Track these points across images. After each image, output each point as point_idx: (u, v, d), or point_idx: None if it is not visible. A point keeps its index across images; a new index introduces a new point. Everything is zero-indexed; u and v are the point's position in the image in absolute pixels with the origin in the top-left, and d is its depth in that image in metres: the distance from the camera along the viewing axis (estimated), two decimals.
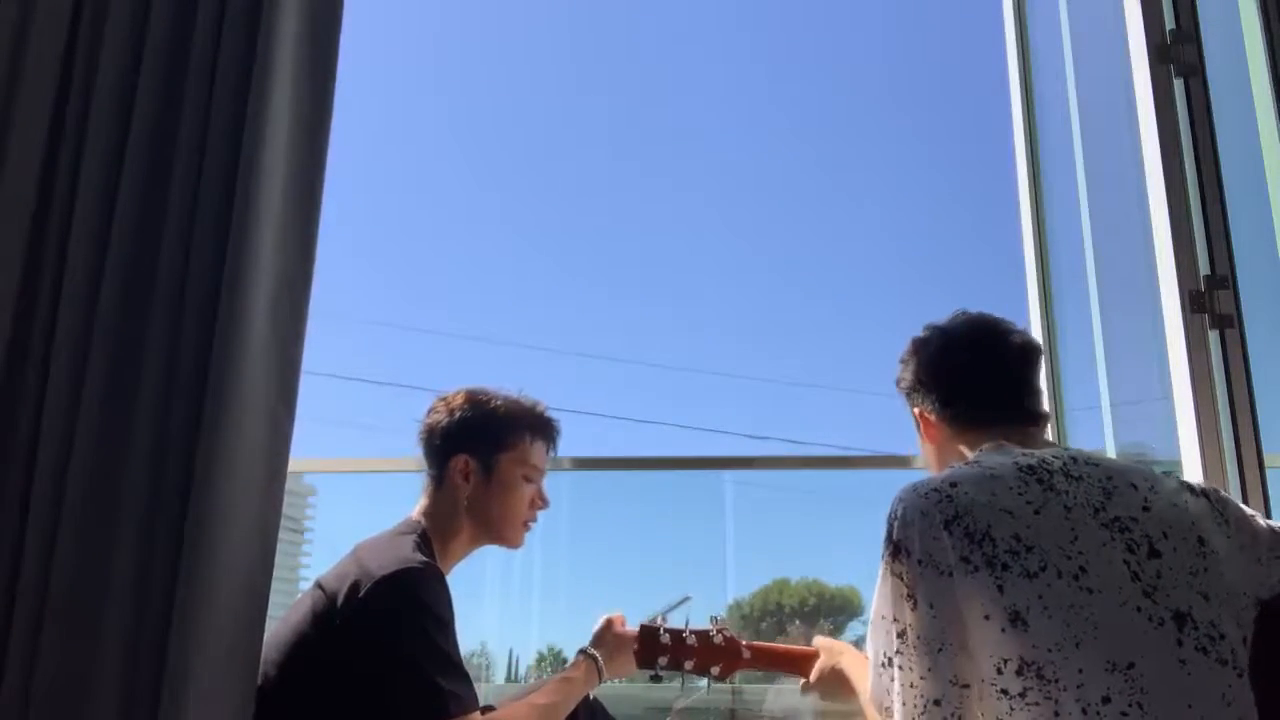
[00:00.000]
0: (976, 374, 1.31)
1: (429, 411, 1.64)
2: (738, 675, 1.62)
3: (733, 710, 2.51)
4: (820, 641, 1.52)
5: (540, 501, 1.64)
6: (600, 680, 1.55)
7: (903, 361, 1.41)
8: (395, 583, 1.37)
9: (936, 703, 1.05)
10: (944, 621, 1.06)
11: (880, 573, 1.13)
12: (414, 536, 1.51)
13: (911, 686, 1.07)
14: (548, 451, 1.65)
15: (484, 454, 1.59)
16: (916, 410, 1.38)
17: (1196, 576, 1.09)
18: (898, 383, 1.43)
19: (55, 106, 1.53)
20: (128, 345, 1.43)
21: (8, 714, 1.29)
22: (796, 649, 1.60)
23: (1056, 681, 1.01)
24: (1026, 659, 1.02)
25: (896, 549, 1.11)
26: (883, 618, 1.12)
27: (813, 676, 1.49)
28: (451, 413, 1.61)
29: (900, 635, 1.09)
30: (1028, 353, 1.32)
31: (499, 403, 1.62)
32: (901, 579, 1.10)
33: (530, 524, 1.64)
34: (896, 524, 1.13)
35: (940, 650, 1.06)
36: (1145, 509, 1.13)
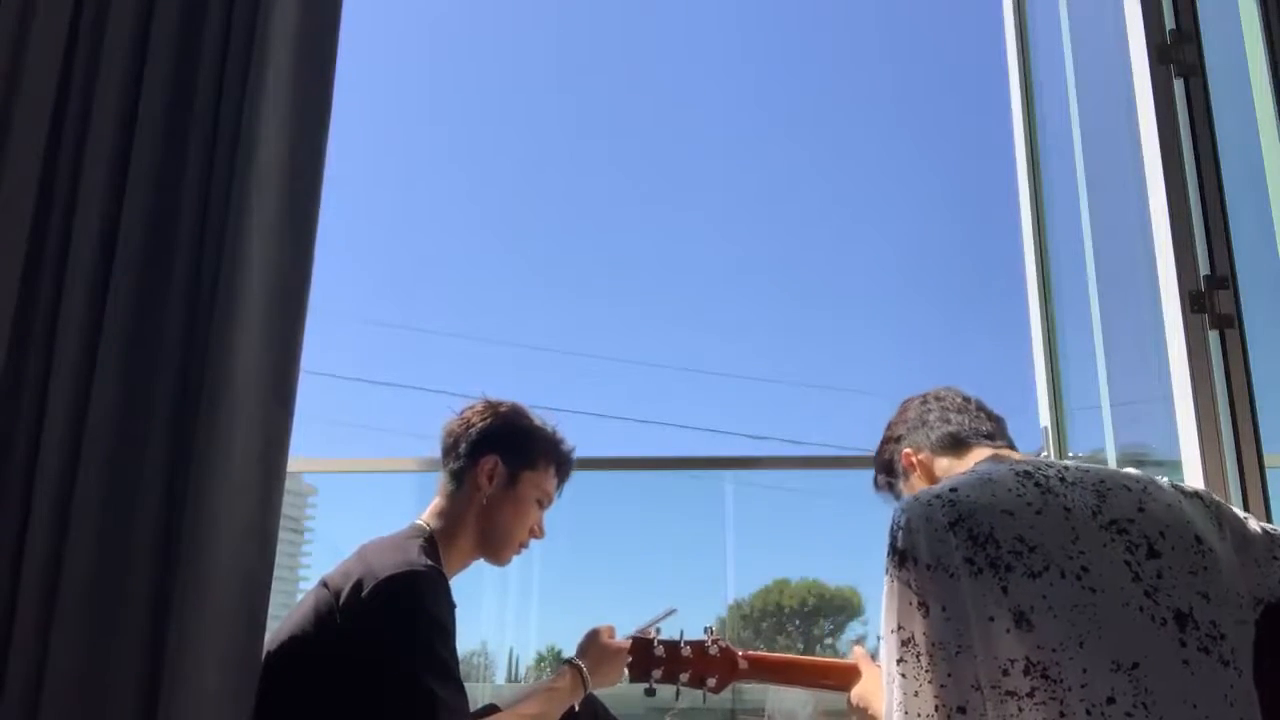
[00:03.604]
0: (961, 408, 1.41)
1: (468, 407, 1.66)
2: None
3: (733, 711, 2.52)
4: (860, 663, 1.49)
5: (538, 530, 1.67)
6: (586, 690, 1.55)
7: (888, 425, 1.48)
8: (398, 584, 1.37)
9: (961, 710, 1.02)
10: (957, 624, 1.05)
11: (886, 585, 1.12)
12: (421, 540, 1.51)
13: (917, 695, 1.04)
14: (557, 488, 1.68)
15: (512, 463, 1.61)
16: (907, 453, 1.41)
17: (1196, 576, 1.09)
18: (881, 445, 1.48)
19: (55, 108, 1.53)
20: (125, 346, 1.43)
21: (11, 714, 1.29)
22: (795, 659, 1.59)
23: (1061, 681, 1.01)
24: (1032, 659, 1.02)
25: (903, 557, 1.10)
26: (890, 631, 1.09)
27: (851, 699, 1.47)
28: (496, 415, 1.64)
29: (906, 643, 1.07)
30: (996, 414, 1.44)
31: (538, 424, 1.67)
32: (910, 586, 1.08)
33: (523, 548, 1.65)
34: (901, 533, 1.12)
35: (958, 653, 1.04)
36: (1141, 510, 1.13)
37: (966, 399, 1.43)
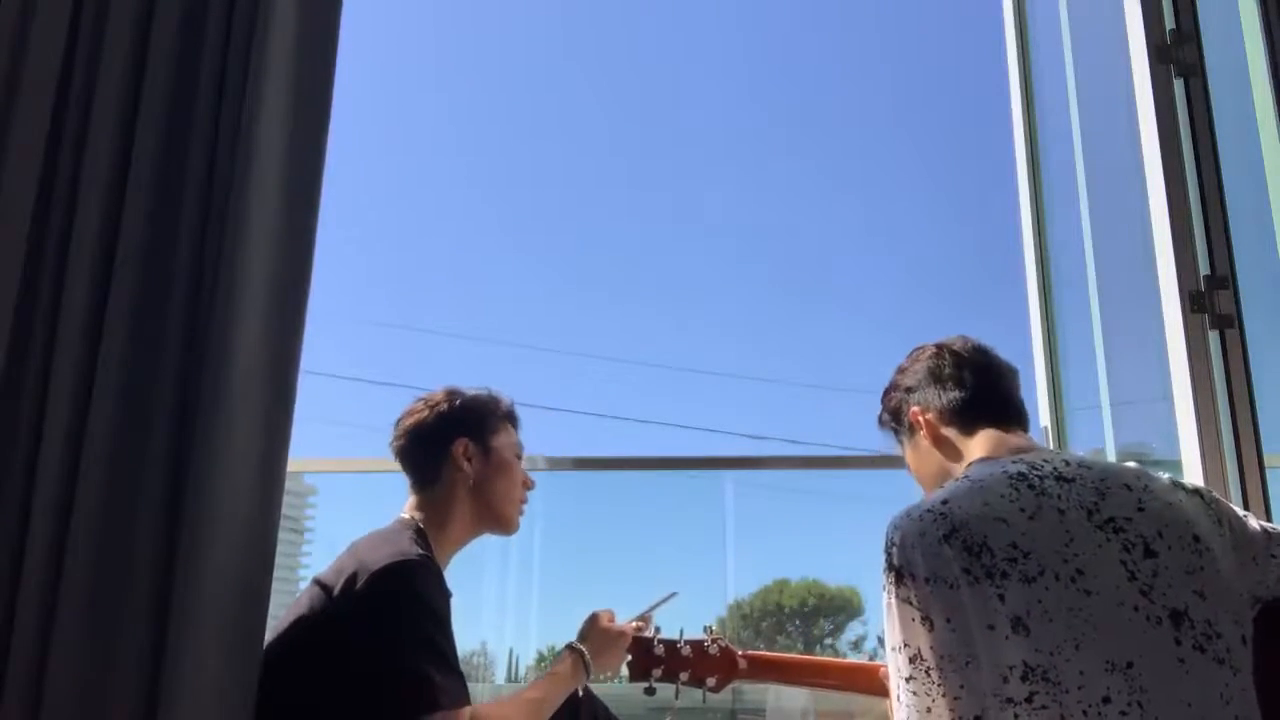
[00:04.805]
0: (976, 370, 1.37)
1: (406, 415, 1.66)
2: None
3: (733, 710, 2.52)
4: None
5: (529, 481, 1.70)
6: (588, 675, 1.55)
7: (901, 369, 1.44)
8: (392, 575, 1.38)
9: (978, 719, 1.03)
10: (963, 634, 1.05)
11: (885, 605, 1.11)
12: (410, 532, 1.52)
13: (929, 711, 1.04)
14: (518, 436, 1.72)
15: (480, 435, 1.63)
16: (914, 410, 1.38)
17: (1193, 575, 1.09)
18: (892, 389, 1.44)
19: (55, 108, 1.53)
20: (125, 346, 1.43)
21: (12, 714, 1.29)
22: (794, 658, 1.59)
23: (1059, 684, 1.01)
24: (1031, 664, 1.02)
25: (900, 574, 1.10)
26: (894, 650, 1.09)
27: None
28: (436, 407, 1.65)
29: (913, 660, 1.06)
30: (1015, 370, 1.41)
31: (474, 393, 1.70)
32: (910, 602, 1.08)
33: (523, 506, 1.68)
34: (895, 550, 1.11)
35: (968, 664, 1.04)
36: (1140, 509, 1.13)
37: (979, 353, 1.39)
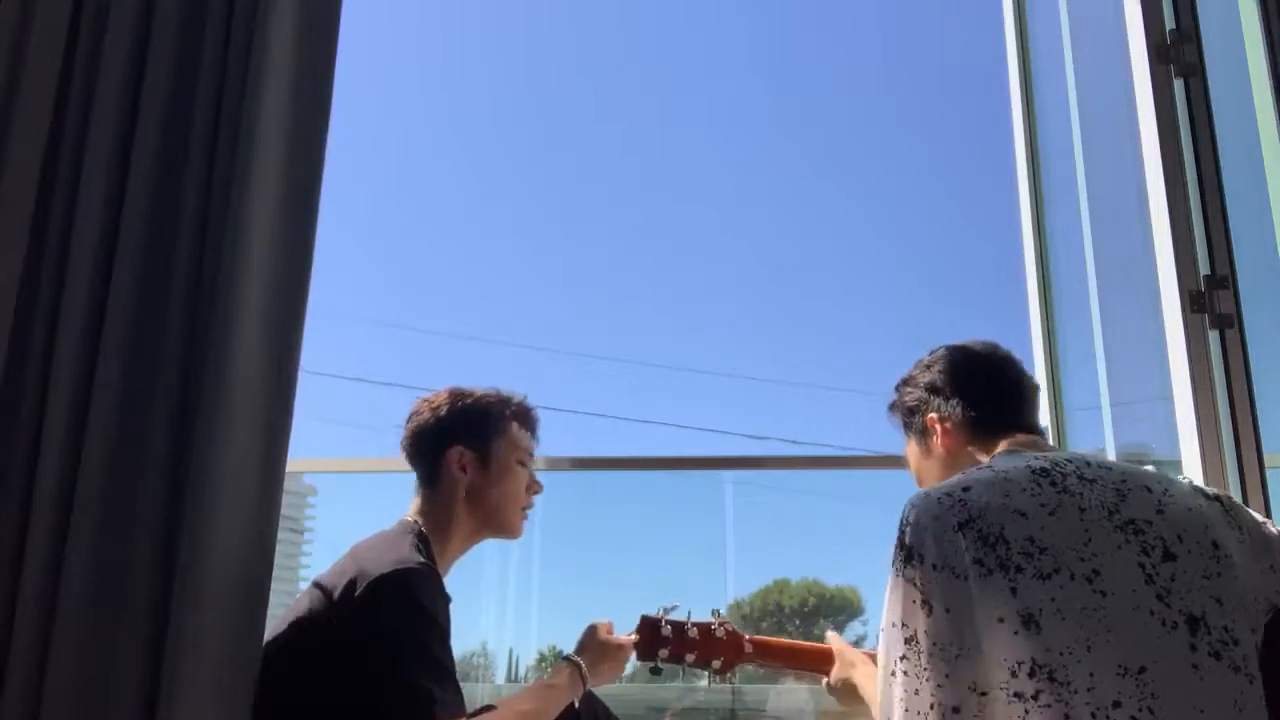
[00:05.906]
0: (1000, 384, 1.37)
1: (411, 415, 1.65)
2: (738, 674, 1.62)
3: (733, 710, 2.52)
4: (835, 646, 1.50)
5: (535, 485, 1.66)
6: (584, 687, 1.54)
7: (923, 366, 1.43)
8: (392, 582, 1.37)
9: (956, 710, 1.03)
10: (961, 625, 1.05)
11: (890, 580, 1.11)
12: (412, 537, 1.51)
13: (917, 694, 1.05)
14: (532, 438, 1.68)
15: (477, 443, 1.61)
16: (931, 417, 1.37)
17: (1211, 580, 1.08)
18: (907, 385, 1.43)
19: (55, 108, 1.53)
20: (125, 345, 1.43)
21: (13, 713, 1.29)
22: (799, 644, 1.60)
23: (1068, 684, 1.00)
24: (1039, 661, 1.01)
25: (909, 554, 1.10)
26: (892, 625, 1.09)
27: (831, 681, 1.49)
28: (437, 410, 1.63)
29: (908, 641, 1.07)
30: (1037, 388, 1.41)
31: (480, 395, 1.66)
32: (915, 584, 1.08)
33: (527, 510, 1.65)
34: (909, 529, 1.11)
35: (958, 656, 1.04)
36: (1160, 512, 1.12)
37: (1007, 369, 1.38)
